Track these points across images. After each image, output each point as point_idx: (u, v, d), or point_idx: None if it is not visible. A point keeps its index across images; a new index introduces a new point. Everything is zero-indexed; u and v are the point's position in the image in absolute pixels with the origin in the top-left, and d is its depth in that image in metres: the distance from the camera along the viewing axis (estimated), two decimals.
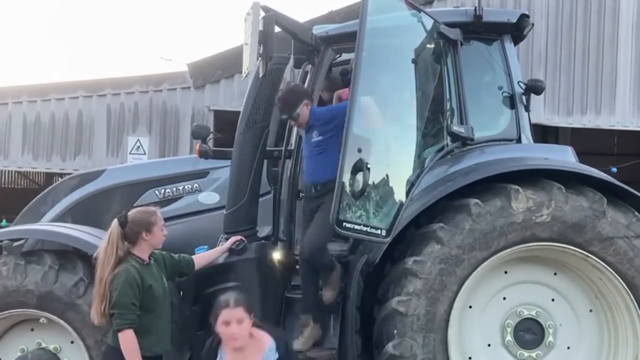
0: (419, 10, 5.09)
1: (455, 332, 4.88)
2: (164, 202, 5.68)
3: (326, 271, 5.11)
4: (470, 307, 5.02)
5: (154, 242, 4.33)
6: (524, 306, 5.06)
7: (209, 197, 5.80)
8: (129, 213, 4.27)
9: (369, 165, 4.32)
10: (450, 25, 5.21)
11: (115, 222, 4.23)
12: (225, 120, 12.02)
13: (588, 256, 4.89)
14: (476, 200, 4.80)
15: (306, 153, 5.26)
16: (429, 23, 5.09)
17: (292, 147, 5.67)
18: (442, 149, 5.20)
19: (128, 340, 4.06)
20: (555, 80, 13.69)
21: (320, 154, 5.08)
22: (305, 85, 5.72)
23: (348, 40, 5.09)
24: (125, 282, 4.08)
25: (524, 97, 5.51)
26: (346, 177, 4.30)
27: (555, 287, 5.13)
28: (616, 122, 13.97)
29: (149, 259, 4.34)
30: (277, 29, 5.11)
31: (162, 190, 5.78)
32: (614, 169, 11.83)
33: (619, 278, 4.88)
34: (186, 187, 5.83)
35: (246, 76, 5.13)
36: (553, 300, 5.11)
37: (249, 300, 4.10)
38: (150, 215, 4.31)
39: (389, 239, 4.56)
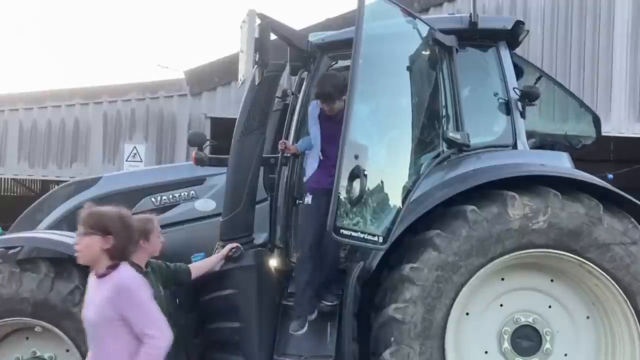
0: (415, 17, 5.11)
1: (452, 339, 4.86)
2: (160, 210, 5.66)
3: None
4: (467, 314, 5.01)
5: (151, 250, 4.34)
6: (521, 313, 5.06)
7: (205, 205, 5.78)
8: None
9: (365, 172, 4.33)
10: (446, 32, 5.22)
11: None
12: (222, 128, 12.00)
13: (584, 263, 4.89)
14: (473, 207, 4.80)
15: None
16: (424, 30, 5.10)
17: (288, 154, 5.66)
18: (438, 155, 5.19)
19: None
20: None
21: None
22: (301, 92, 5.74)
23: (344, 47, 5.10)
24: None
25: (519, 104, 5.52)
26: (343, 184, 4.30)
27: (552, 293, 5.12)
28: (612, 129, 13.96)
29: (145, 267, 4.33)
30: (273, 37, 5.12)
31: (159, 198, 5.76)
32: (610, 176, 11.81)
33: (615, 285, 4.88)
34: (182, 194, 5.81)
35: (242, 83, 5.14)
36: (550, 307, 5.10)
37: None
38: (147, 223, 4.33)
39: (385, 246, 4.55)
